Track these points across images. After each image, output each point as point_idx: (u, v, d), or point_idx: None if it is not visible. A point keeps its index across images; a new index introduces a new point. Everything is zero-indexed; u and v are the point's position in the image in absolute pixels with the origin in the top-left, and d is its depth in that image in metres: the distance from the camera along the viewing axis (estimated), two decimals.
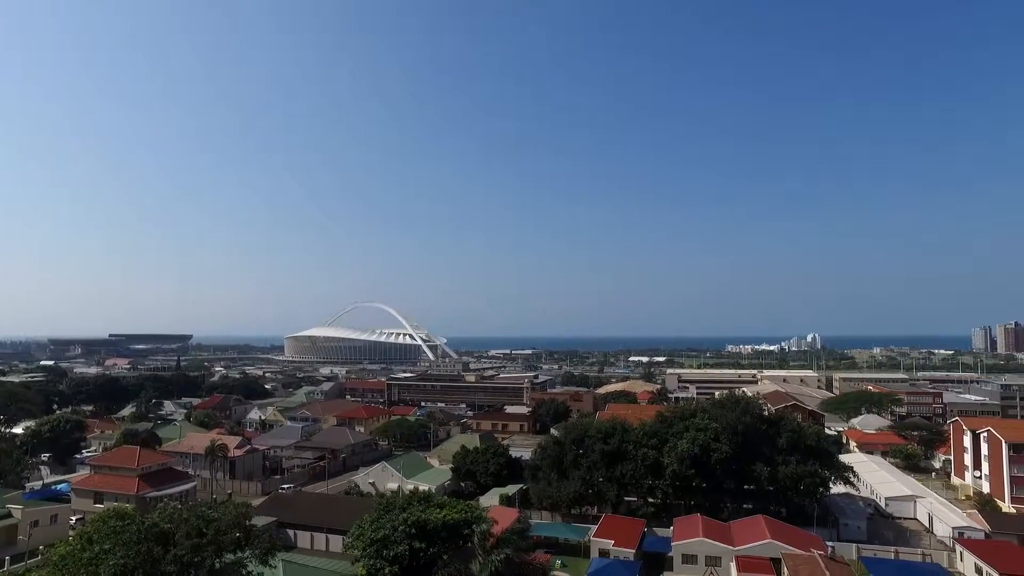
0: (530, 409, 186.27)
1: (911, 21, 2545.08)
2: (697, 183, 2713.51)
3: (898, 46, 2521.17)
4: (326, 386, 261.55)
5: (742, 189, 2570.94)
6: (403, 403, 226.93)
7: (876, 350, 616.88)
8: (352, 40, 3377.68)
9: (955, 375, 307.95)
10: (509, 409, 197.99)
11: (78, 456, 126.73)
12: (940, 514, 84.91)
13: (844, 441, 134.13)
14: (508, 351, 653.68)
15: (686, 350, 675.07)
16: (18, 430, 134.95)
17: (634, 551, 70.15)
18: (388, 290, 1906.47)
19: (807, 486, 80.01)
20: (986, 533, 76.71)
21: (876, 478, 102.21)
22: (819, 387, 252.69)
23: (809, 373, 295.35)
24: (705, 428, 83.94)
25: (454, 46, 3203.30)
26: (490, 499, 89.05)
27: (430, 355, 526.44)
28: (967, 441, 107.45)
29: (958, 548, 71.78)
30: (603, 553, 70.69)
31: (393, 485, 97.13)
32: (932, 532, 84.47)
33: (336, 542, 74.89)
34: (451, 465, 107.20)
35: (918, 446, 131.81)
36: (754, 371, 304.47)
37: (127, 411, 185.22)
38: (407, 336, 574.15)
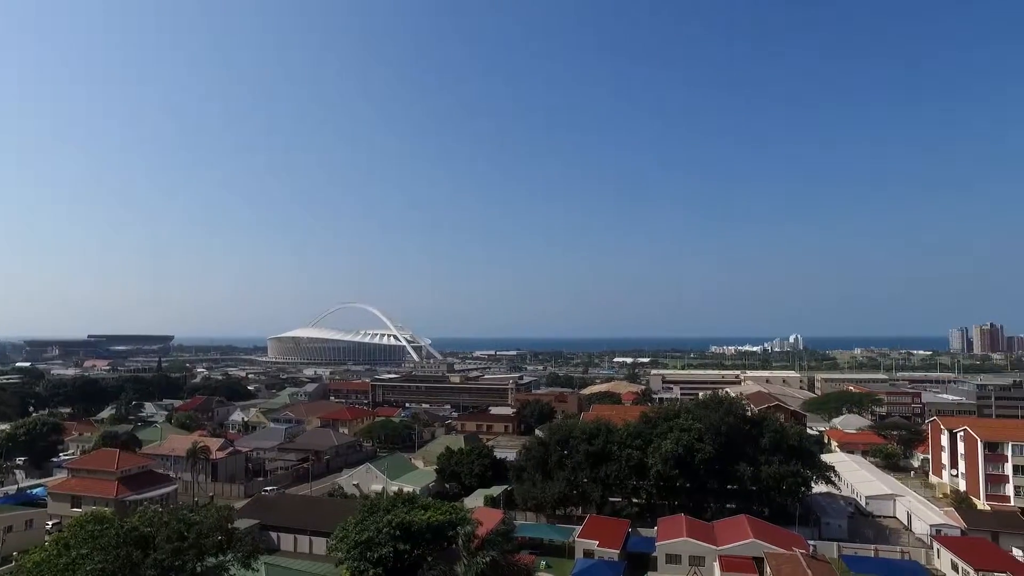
0: (515, 410, 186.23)
1: (909, 21, 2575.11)
2: (678, 184, 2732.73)
3: (896, 46, 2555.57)
4: (310, 387, 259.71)
5: (726, 190, 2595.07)
6: (387, 404, 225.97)
7: (857, 351, 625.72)
8: (337, 40, 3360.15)
9: (933, 375, 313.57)
10: (494, 410, 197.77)
11: (55, 459, 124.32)
12: (918, 512, 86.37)
13: (825, 441, 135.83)
14: (493, 352, 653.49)
15: (670, 351, 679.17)
16: None
17: (618, 551, 70.42)
18: (372, 291, 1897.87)
19: (789, 486, 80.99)
20: (962, 530, 78.22)
21: (857, 477, 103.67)
22: (801, 387, 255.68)
23: (791, 374, 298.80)
24: (689, 429, 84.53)
25: (436, 46, 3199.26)
26: (475, 500, 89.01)
27: (415, 356, 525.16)
28: (944, 440, 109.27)
29: (935, 545, 73.04)
30: (588, 554, 70.90)
31: (377, 487, 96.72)
32: (911, 530, 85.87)
33: (320, 544, 74.28)
34: (436, 466, 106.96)
35: (897, 445, 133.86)
36: (737, 372, 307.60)
37: (106, 413, 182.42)
38: (391, 337, 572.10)
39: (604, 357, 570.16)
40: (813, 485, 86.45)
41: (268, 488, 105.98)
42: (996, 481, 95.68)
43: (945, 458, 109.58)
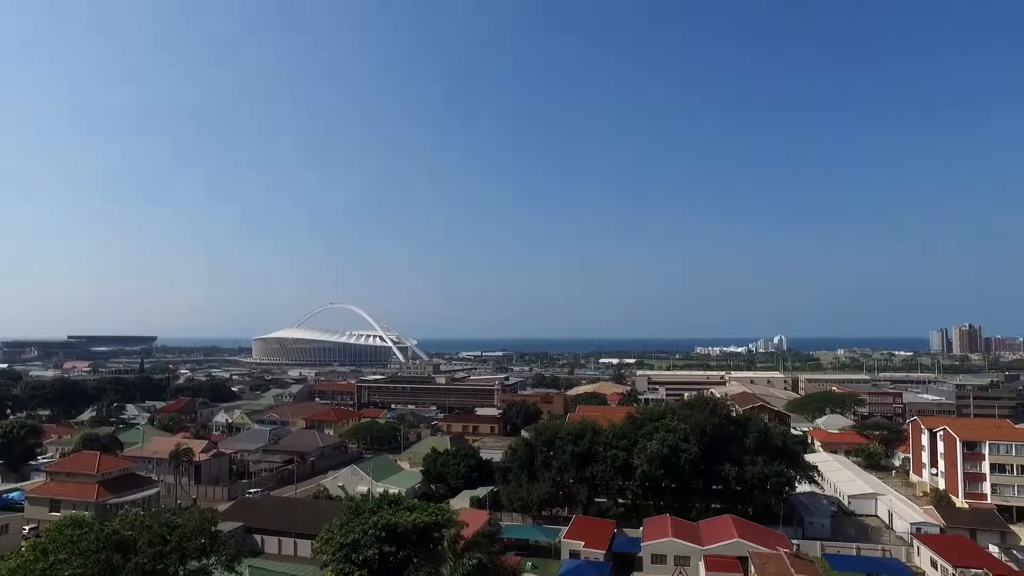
0: (501, 411, 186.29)
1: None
2: (664, 186, 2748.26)
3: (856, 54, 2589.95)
4: (295, 388, 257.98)
5: (711, 192, 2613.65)
6: (373, 405, 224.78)
7: (840, 352, 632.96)
8: (323, 36, 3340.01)
9: (914, 376, 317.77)
10: (480, 411, 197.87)
11: (33, 463, 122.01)
12: (899, 510, 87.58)
13: (809, 441, 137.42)
14: (479, 353, 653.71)
15: (656, 352, 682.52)
16: None
17: (604, 552, 70.63)
18: (358, 292, 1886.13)
19: (774, 485, 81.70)
20: (941, 528, 79.54)
21: (839, 477, 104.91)
22: (785, 388, 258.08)
23: (776, 374, 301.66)
24: (674, 429, 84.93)
25: (424, 45, 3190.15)
26: (461, 501, 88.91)
27: (400, 357, 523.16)
28: (924, 439, 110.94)
29: (915, 543, 74.18)
30: (573, 554, 71.02)
31: (363, 488, 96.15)
32: (892, 528, 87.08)
33: (305, 547, 73.66)
34: (421, 468, 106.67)
35: (879, 445, 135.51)
36: (722, 372, 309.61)
37: (87, 415, 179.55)
38: (377, 338, 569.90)
39: (590, 358, 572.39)
40: (797, 485, 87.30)
41: (252, 490, 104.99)
42: (974, 479, 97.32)
43: (925, 457, 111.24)
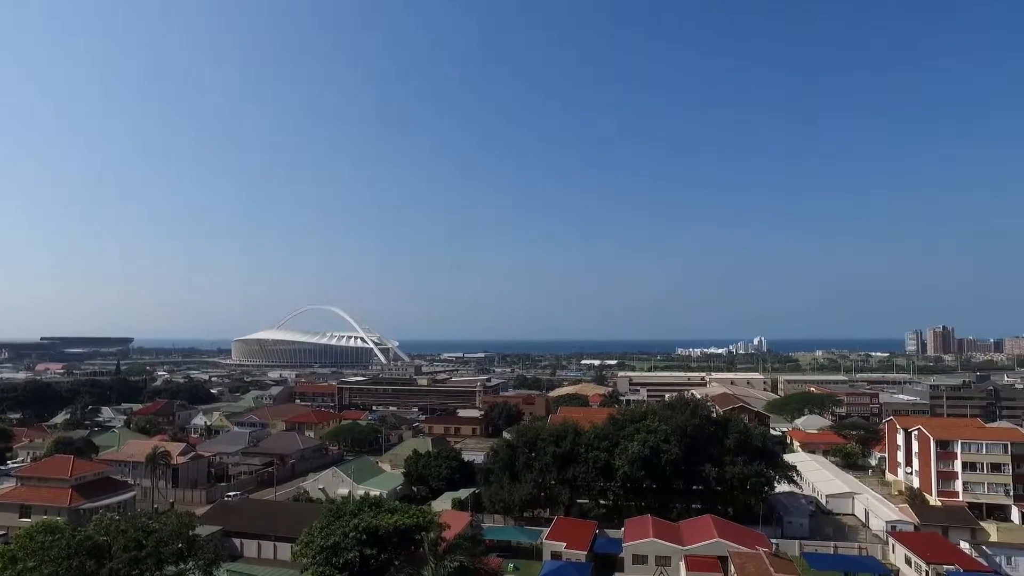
0: (483, 413, 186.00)
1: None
2: (644, 187, 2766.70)
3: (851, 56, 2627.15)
4: (275, 390, 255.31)
5: (689, 193, 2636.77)
6: (354, 407, 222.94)
7: (819, 353, 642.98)
8: (301, 38, 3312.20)
9: (890, 376, 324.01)
10: (461, 413, 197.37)
11: (2, 467, 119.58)
12: (875, 509, 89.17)
13: (788, 441, 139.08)
14: (461, 354, 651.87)
15: (637, 353, 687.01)
16: None
17: (586, 553, 70.95)
18: (339, 293, 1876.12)
19: (753, 485, 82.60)
20: (915, 526, 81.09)
21: (817, 476, 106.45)
22: (765, 389, 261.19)
23: (755, 375, 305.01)
24: (655, 430, 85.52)
25: (401, 44, 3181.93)
26: (442, 503, 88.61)
27: (382, 358, 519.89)
28: (900, 439, 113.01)
29: (890, 541, 75.57)
30: (555, 555, 71.22)
31: (344, 490, 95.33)
32: (868, 526, 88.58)
33: (284, 550, 72.95)
34: (403, 470, 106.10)
35: (856, 445, 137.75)
36: (703, 374, 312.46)
37: (60, 418, 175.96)
38: (358, 339, 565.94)
39: (572, 359, 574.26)
40: (776, 485, 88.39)
41: (231, 493, 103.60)
42: (947, 478, 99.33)
43: (900, 456, 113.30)
